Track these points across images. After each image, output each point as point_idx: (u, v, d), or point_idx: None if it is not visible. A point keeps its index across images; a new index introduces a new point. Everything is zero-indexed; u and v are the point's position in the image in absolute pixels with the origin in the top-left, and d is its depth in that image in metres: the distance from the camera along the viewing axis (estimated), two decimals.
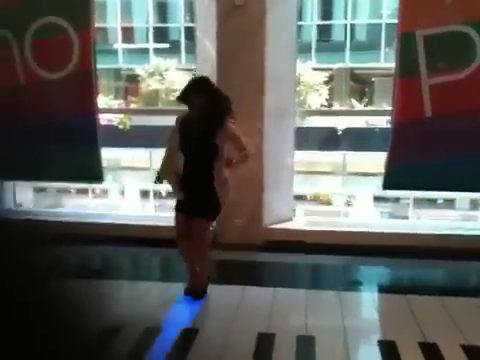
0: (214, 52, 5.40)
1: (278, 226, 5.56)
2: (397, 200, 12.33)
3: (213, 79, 5.34)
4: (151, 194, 7.89)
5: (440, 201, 12.33)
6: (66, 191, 10.70)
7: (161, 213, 7.18)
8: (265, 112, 5.34)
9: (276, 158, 5.57)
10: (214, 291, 4.09)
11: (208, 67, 5.52)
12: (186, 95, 3.74)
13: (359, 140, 14.39)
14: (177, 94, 3.94)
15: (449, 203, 12.46)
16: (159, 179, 4.00)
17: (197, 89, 3.71)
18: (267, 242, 5.31)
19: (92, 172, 5.57)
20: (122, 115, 14.81)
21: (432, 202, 11.94)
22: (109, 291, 4.24)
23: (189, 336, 3.33)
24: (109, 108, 13.05)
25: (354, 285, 4.41)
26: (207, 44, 5.62)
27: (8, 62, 5.47)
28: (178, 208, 3.94)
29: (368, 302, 4.15)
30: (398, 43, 5.09)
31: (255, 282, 4.17)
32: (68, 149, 5.49)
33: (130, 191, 12.01)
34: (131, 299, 4.06)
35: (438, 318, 3.66)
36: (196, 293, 3.98)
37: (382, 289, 4.52)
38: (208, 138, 3.74)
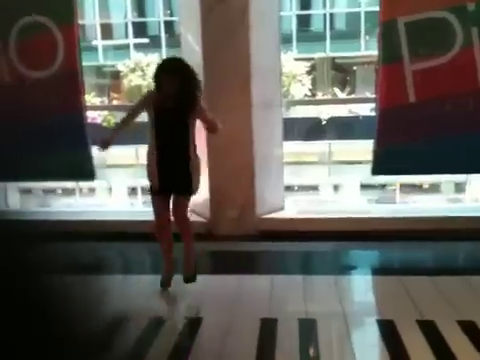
0: (199, 46, 5.44)
1: (270, 216, 5.64)
2: (383, 187, 12.48)
3: (199, 72, 5.40)
4: (139, 190, 7.88)
5: (426, 186, 12.51)
6: (52, 191, 10.64)
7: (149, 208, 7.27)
8: (252, 104, 5.40)
9: (265, 149, 5.64)
10: (213, 281, 4.17)
11: (193, 61, 5.55)
12: (159, 74, 3.78)
13: (343, 129, 14.52)
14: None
15: (435, 187, 12.65)
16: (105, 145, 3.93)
17: (170, 70, 3.75)
18: (260, 232, 5.39)
19: (83, 170, 5.59)
20: (106, 112, 14.73)
21: (418, 187, 12.11)
22: (108, 285, 4.29)
23: (194, 325, 3.40)
24: (96, 105, 12.99)
25: (348, 269, 4.51)
26: (191, 38, 5.65)
27: None
28: (158, 192, 3.90)
29: (363, 285, 4.26)
30: (380, 30, 5.18)
31: (252, 271, 4.24)
32: (58, 148, 5.49)
33: (117, 189, 11.97)
34: (130, 292, 4.11)
35: (432, 297, 3.77)
36: (189, 278, 3.96)
37: (375, 272, 4.65)
38: (183, 116, 3.80)
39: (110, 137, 3.98)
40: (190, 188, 3.90)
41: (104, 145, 3.96)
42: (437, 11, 4.94)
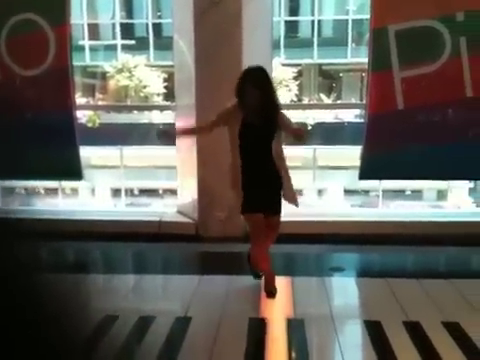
0: (190, 49, 5.46)
1: None
2: (366, 192, 12.63)
3: (191, 75, 5.43)
4: (122, 192, 7.89)
5: (408, 192, 12.68)
6: (35, 191, 10.55)
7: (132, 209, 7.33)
8: None
9: None
10: (202, 281, 4.20)
11: (185, 63, 5.59)
12: (243, 87, 3.63)
13: (329, 134, 14.66)
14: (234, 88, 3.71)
15: (417, 194, 12.82)
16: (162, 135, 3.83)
17: (252, 81, 3.61)
18: (247, 233, 5.41)
19: (71, 169, 5.58)
20: (92, 113, 14.66)
21: (400, 193, 12.26)
22: (100, 284, 4.30)
23: (183, 324, 3.42)
24: (87, 104, 12.91)
25: (334, 271, 4.57)
26: (183, 41, 5.67)
27: None
28: (253, 207, 3.72)
29: (350, 286, 4.30)
30: (370, 38, 5.28)
31: (240, 272, 4.26)
32: (47, 146, 5.47)
33: (101, 190, 11.90)
34: (122, 291, 4.11)
35: (418, 299, 3.85)
36: (273, 292, 3.93)
37: (361, 274, 4.71)
38: (269, 127, 3.67)
39: (176, 131, 3.80)
40: (280, 206, 3.84)
41: (166, 136, 3.82)
42: (427, 20, 5.05)
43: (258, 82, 3.60)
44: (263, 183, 3.73)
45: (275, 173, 3.75)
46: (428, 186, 11.99)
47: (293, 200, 3.90)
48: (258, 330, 3.31)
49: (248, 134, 3.66)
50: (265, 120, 3.65)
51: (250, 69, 3.73)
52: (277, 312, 3.69)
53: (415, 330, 3.30)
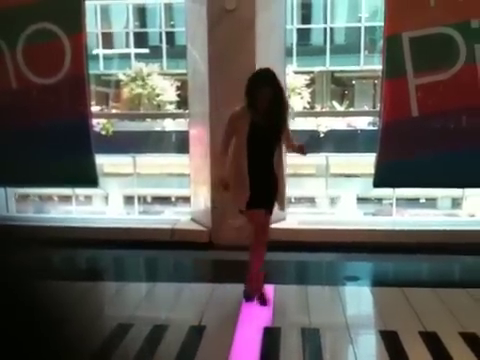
0: (203, 57, 5.48)
1: (272, 226, 5.64)
2: (380, 200, 12.54)
3: (205, 83, 5.45)
4: (135, 200, 7.91)
5: (422, 201, 12.57)
6: (49, 198, 10.63)
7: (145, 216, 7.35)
8: None
9: None
10: (217, 289, 4.19)
11: (199, 71, 5.61)
12: (254, 88, 3.60)
13: (341, 142, 14.60)
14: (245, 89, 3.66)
15: (431, 203, 12.70)
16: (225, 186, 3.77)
17: (265, 82, 3.59)
18: None
19: (87, 176, 5.61)
20: (105, 121, 14.78)
21: (414, 202, 12.15)
22: (111, 292, 4.30)
23: (197, 332, 3.41)
24: (101, 112, 13.01)
25: (349, 280, 4.53)
26: (196, 49, 5.69)
27: (0, 68, 5.48)
28: (256, 204, 3.75)
29: (364, 295, 4.27)
30: (385, 45, 5.26)
31: None
32: (63, 154, 5.51)
33: (114, 197, 11.95)
34: (135, 299, 4.11)
35: (434, 308, 3.80)
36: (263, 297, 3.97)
37: (377, 283, 4.66)
38: (276, 129, 3.68)
39: (225, 176, 3.75)
40: (273, 204, 3.89)
41: (225, 186, 3.79)
42: (442, 27, 5.02)
43: (270, 81, 3.60)
44: (266, 184, 3.77)
45: (274, 175, 3.80)
46: (443, 194, 11.88)
47: (282, 204, 3.99)
48: (272, 339, 3.28)
49: (255, 135, 3.66)
50: (272, 122, 3.66)
51: (261, 69, 3.73)
52: (292, 321, 3.66)
53: (432, 340, 3.25)
